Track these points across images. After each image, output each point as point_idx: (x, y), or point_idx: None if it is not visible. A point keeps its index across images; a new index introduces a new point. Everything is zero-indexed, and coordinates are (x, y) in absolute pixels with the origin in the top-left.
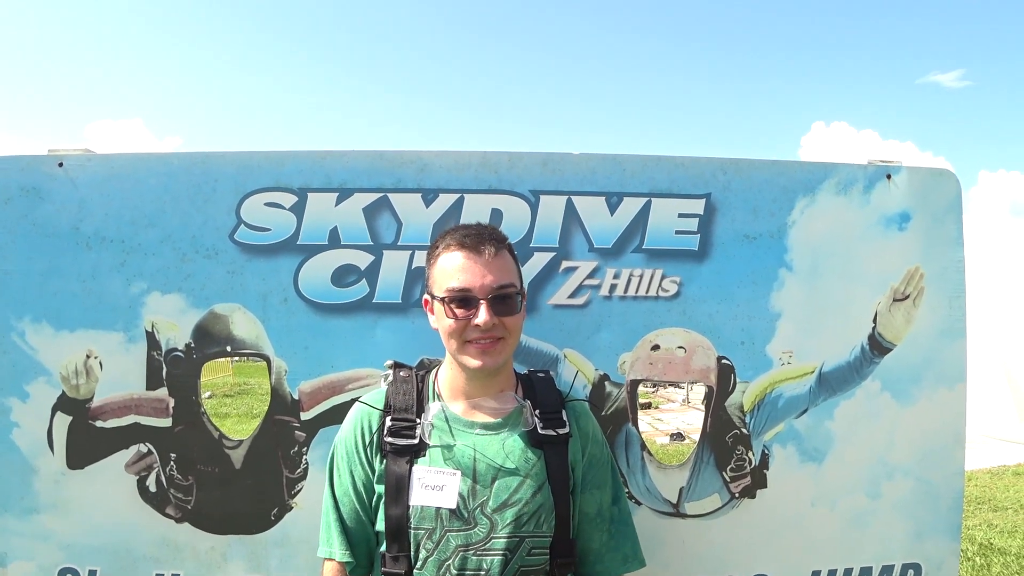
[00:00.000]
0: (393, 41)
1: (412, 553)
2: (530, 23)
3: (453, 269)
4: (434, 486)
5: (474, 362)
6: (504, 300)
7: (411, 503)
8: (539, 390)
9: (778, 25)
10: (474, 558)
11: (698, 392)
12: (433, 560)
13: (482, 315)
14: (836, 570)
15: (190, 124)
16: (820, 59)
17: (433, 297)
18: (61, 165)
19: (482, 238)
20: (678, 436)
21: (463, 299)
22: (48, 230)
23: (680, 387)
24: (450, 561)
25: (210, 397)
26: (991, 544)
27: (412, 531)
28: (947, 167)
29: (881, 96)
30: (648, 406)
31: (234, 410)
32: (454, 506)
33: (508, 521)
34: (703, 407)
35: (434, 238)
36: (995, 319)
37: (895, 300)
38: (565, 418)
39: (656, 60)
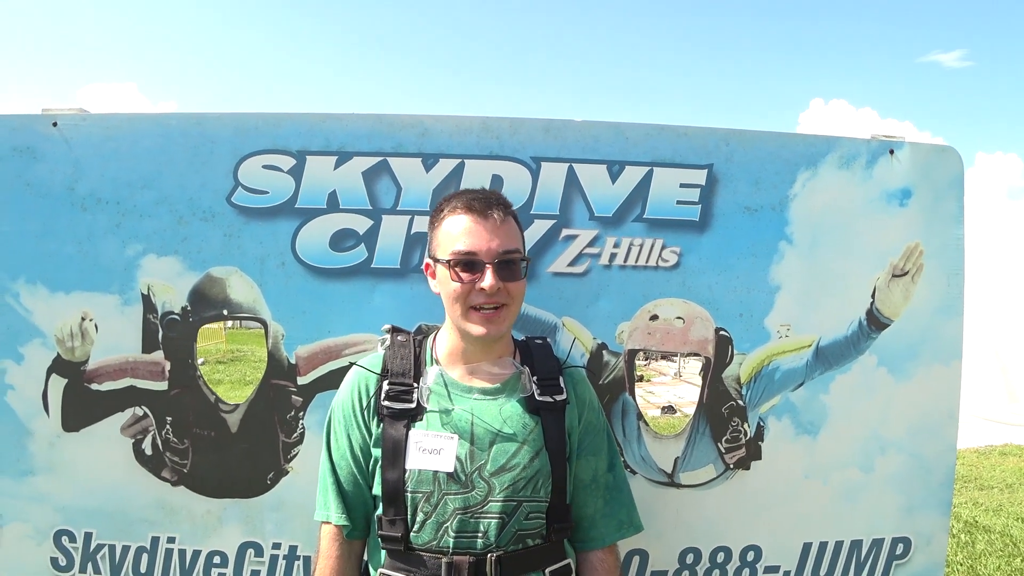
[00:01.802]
0: (396, 5)
1: (409, 516)
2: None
3: (459, 232)
4: (432, 450)
5: (478, 330)
6: (509, 265)
7: (408, 466)
8: (537, 356)
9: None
10: (472, 521)
11: (691, 366)
12: (431, 523)
13: (488, 279)
14: (827, 542)
15: (185, 89)
16: (820, 35)
17: (436, 260)
18: (55, 125)
19: (490, 203)
20: (669, 409)
21: (469, 263)
22: (42, 191)
23: (673, 360)
24: (448, 523)
25: (203, 363)
26: (976, 522)
27: (409, 494)
28: (946, 145)
29: (881, 74)
30: (640, 379)
31: (227, 376)
32: (451, 470)
33: (506, 485)
34: (699, 378)
35: (436, 203)
36: (988, 301)
37: (894, 276)
38: (562, 384)
39: (652, 32)
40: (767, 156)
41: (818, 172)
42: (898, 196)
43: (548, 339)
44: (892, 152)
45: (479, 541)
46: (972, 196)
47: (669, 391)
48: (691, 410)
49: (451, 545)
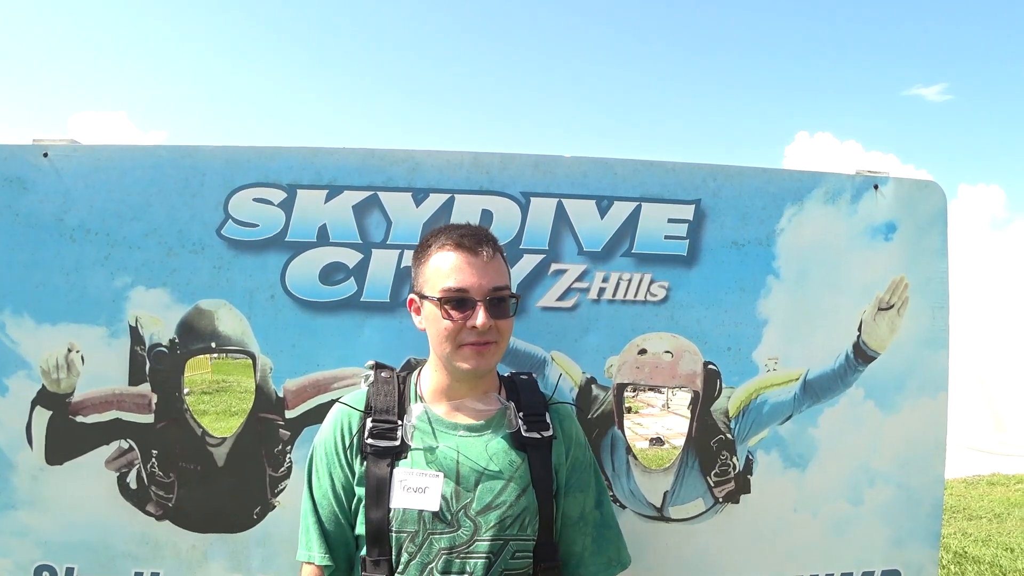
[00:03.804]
0: (386, 40)
1: (393, 556)
2: (521, 28)
3: (450, 269)
4: (416, 488)
5: (466, 365)
6: (500, 303)
7: (392, 506)
8: (523, 392)
9: (763, 34)
10: (457, 561)
11: (679, 397)
12: (416, 563)
13: (480, 317)
14: (817, 575)
15: (175, 119)
16: (805, 69)
17: (423, 297)
18: (46, 155)
19: (479, 239)
20: (657, 441)
21: (460, 300)
22: (31, 221)
23: (661, 391)
24: (433, 564)
25: (188, 394)
26: (965, 552)
27: (394, 534)
28: (929, 180)
29: (865, 108)
30: (628, 411)
31: (212, 408)
32: (437, 508)
33: (492, 524)
34: (687, 412)
35: (424, 236)
36: (973, 331)
37: (880, 309)
38: (549, 420)
39: (640, 67)
40: (754, 191)
41: (804, 207)
42: (883, 230)
43: (534, 375)
44: (876, 187)
45: None
46: (955, 228)
47: (657, 423)
48: (679, 442)
49: None
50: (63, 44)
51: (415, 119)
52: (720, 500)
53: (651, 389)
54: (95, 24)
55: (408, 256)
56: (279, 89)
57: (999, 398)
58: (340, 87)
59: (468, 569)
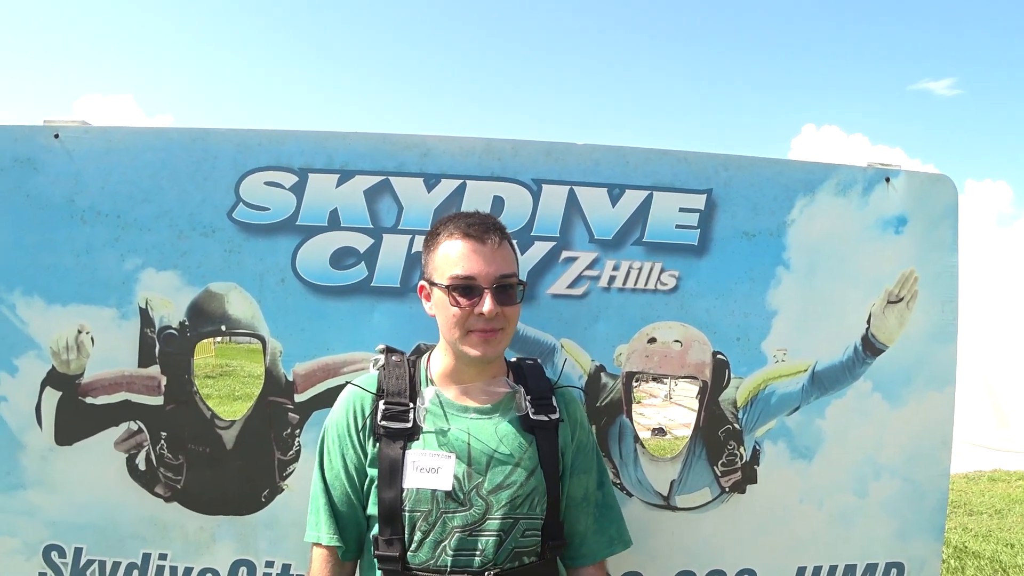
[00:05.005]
0: (397, 30)
1: (406, 535)
2: (531, 24)
3: (457, 256)
4: (429, 469)
5: (475, 351)
6: (507, 290)
7: (405, 486)
8: (530, 376)
9: (772, 27)
10: (470, 539)
11: (681, 388)
12: (429, 541)
13: (487, 304)
14: (821, 567)
15: (181, 103)
16: (813, 62)
17: (432, 284)
18: (57, 136)
19: (487, 228)
20: (660, 431)
21: (467, 287)
22: (42, 202)
23: (663, 382)
24: (446, 542)
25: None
26: (966, 547)
27: (407, 514)
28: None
29: (872, 101)
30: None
31: (216, 392)
32: (450, 488)
33: (503, 503)
34: (691, 403)
35: (433, 224)
36: (977, 327)
37: (889, 302)
38: (555, 404)
39: (648, 59)
40: (765, 182)
41: (815, 198)
42: (893, 223)
43: (539, 360)
44: (888, 180)
45: (477, 559)
46: (961, 223)
47: (659, 413)
48: (681, 432)
49: (449, 564)
50: (69, 26)
51: (427, 109)
52: (727, 490)
53: (654, 379)
54: (101, 5)
55: (419, 242)
56: (286, 76)
57: (1002, 394)
58: (348, 78)
59: (480, 546)
